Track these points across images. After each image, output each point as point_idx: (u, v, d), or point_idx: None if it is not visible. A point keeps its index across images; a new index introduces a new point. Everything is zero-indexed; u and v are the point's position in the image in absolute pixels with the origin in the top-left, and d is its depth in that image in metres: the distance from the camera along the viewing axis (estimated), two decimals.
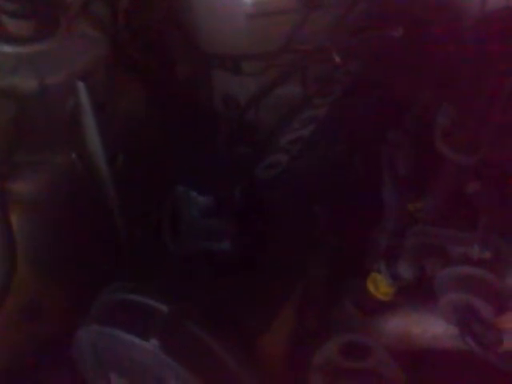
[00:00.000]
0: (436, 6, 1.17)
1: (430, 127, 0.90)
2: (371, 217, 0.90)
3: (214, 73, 1.33)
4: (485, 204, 0.82)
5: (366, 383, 0.80)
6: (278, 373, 0.82)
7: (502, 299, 0.79)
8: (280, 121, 1.08)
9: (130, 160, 1.17)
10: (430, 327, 0.87)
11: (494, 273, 0.78)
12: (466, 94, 0.93)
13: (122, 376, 0.83)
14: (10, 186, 1.03)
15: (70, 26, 1.13)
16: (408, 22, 1.15)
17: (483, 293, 0.78)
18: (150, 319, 0.76)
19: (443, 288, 0.80)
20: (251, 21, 1.17)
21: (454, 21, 1.15)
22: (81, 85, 1.07)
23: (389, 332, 0.88)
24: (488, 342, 0.79)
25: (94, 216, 1.10)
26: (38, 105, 1.06)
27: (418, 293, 0.85)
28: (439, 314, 0.84)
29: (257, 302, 0.82)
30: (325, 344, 0.81)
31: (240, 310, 0.80)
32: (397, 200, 0.85)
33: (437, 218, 0.84)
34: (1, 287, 0.88)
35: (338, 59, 1.16)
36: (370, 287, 0.85)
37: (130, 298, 0.79)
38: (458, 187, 0.86)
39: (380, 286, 0.84)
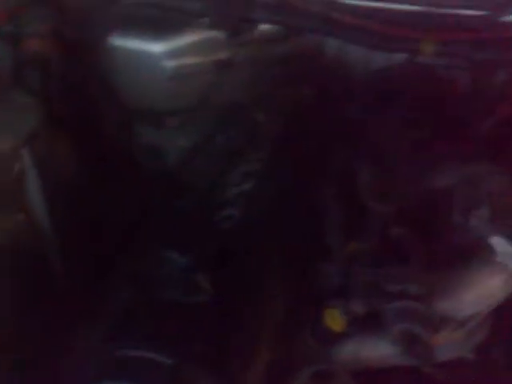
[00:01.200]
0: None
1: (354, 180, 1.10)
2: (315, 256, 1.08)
3: (139, 126, 1.45)
4: (410, 246, 1.04)
5: None
6: None
7: (434, 323, 1.00)
8: (218, 176, 1.23)
9: (68, 214, 1.26)
10: (377, 350, 1.06)
11: (425, 303, 0.99)
12: (379, 154, 1.14)
13: None
14: None
15: (3, 95, 1.20)
16: (317, 81, 1.35)
17: (421, 321, 0.99)
18: (156, 372, 0.88)
19: (391, 319, 1.00)
20: (171, 82, 1.31)
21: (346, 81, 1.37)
22: (25, 150, 1.15)
23: (345, 357, 1.06)
24: (426, 357, 1.00)
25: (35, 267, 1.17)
26: None
27: (366, 322, 1.04)
28: (385, 338, 1.04)
29: (236, 346, 0.96)
30: (299, 373, 0.98)
31: (223, 354, 0.94)
32: (339, 244, 1.04)
33: (373, 258, 1.03)
34: None
35: (261, 117, 1.34)
36: (328, 321, 1.02)
37: (134, 353, 0.90)
38: (383, 231, 1.07)
39: (336, 319, 1.02)
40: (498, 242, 1.00)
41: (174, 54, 1.27)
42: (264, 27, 1.34)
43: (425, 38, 1.16)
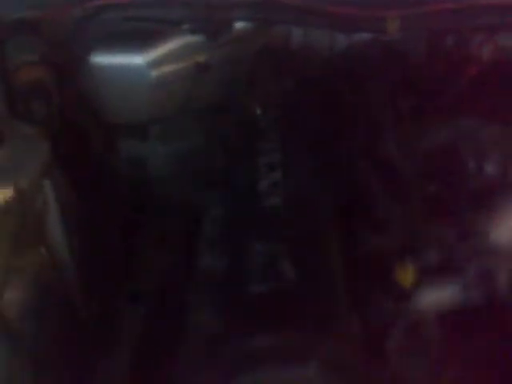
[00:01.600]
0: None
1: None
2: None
3: (122, 140, 1.44)
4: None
5: None
6: None
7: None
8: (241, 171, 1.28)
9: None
10: (451, 294, 1.16)
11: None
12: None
13: None
14: None
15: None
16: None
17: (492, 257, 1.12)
18: None
19: (464, 261, 1.11)
20: (155, 90, 1.33)
21: None
22: (47, 183, 1.12)
23: (419, 307, 1.15)
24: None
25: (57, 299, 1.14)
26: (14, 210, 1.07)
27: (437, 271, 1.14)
28: (457, 282, 1.14)
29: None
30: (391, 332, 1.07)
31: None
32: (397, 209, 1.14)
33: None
34: None
35: (259, 111, 1.40)
36: (400, 276, 1.11)
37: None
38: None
39: (408, 273, 1.11)
40: None
41: (156, 63, 1.29)
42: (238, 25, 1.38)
43: (390, 16, 1.27)
